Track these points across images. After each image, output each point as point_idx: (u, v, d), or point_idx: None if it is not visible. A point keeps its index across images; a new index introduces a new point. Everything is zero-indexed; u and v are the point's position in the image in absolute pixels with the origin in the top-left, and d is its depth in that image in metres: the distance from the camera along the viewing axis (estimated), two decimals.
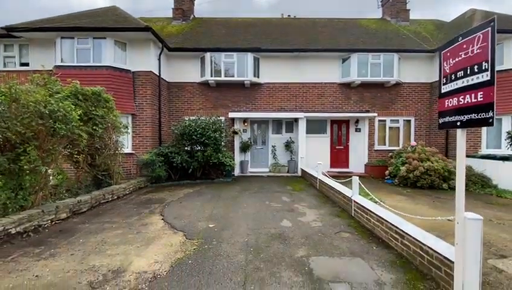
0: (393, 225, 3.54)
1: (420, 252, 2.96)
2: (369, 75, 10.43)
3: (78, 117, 5.12)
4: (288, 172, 10.48)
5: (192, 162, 8.77)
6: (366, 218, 4.33)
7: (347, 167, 10.90)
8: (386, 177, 9.42)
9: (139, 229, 4.38)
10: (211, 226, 4.44)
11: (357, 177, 5.00)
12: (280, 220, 4.75)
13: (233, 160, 9.27)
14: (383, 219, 3.80)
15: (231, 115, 10.05)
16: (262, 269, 2.97)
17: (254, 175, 10.10)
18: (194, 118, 9.17)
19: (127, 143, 8.92)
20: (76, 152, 5.41)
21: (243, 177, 9.91)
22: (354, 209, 4.84)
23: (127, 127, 7.44)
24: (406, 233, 3.24)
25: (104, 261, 3.20)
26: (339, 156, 10.91)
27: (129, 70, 9.01)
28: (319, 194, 6.95)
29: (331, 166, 10.85)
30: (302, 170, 9.92)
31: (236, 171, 10.27)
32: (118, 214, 5.28)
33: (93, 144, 6.02)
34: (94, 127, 5.85)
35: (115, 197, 6.45)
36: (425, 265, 2.86)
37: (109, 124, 6.33)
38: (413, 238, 3.10)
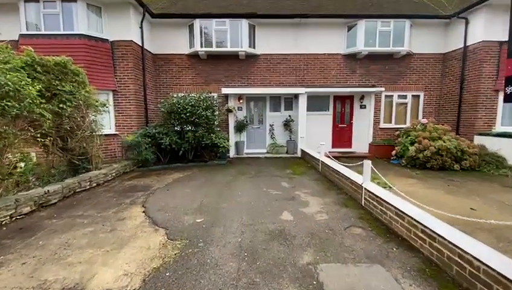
0: (418, 221, 2.89)
1: (459, 260, 2.33)
2: (377, 44, 9.38)
3: (36, 93, 4.24)
4: (287, 153, 9.80)
5: (183, 143, 8.00)
6: (381, 209, 3.69)
7: (350, 146, 10.22)
8: (392, 158, 8.79)
9: (114, 225, 3.72)
10: (198, 221, 3.79)
11: (369, 162, 4.29)
12: (280, 211, 4.11)
13: (228, 141, 8.51)
14: (404, 213, 3.15)
15: (224, 90, 9.10)
16: (259, 284, 2.34)
17: (251, 157, 9.41)
18: (182, 94, 8.23)
19: (109, 123, 8.07)
20: (39, 135, 4.58)
21: (238, 159, 9.22)
22: (365, 199, 4.20)
23: (105, 104, 6.54)
24: (438, 234, 2.59)
25: (60, 274, 2.55)
26: (342, 135, 10.18)
27: (106, 39, 7.88)
28: (322, 178, 6.31)
29: (333, 146, 10.16)
30: (302, 150, 9.23)
31: (232, 153, 9.56)
32: (94, 205, 4.61)
33: (62, 125, 5.17)
34: (61, 106, 4.98)
35: (94, 184, 5.75)
36: (466, 277, 2.24)
37: (81, 102, 5.44)
38: (448, 241, 2.45)
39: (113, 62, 8.01)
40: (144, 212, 4.23)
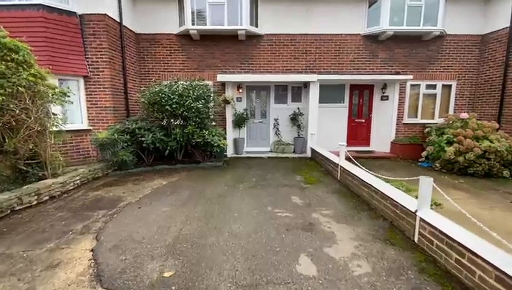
0: None
1: None
2: (405, 23, 7.80)
3: None
4: (294, 152, 8.36)
5: (169, 141, 6.59)
6: (457, 260, 2.28)
7: (367, 144, 8.76)
8: (420, 160, 7.35)
9: (35, 280, 2.35)
10: (166, 276, 2.40)
11: (430, 180, 2.85)
12: (294, 255, 2.71)
13: (225, 139, 7.08)
14: None
15: (221, 78, 7.60)
16: None
17: (252, 156, 7.99)
18: (168, 82, 6.75)
19: (80, 116, 6.66)
20: None
21: (237, 159, 7.80)
22: (421, 233, 2.79)
23: (65, 94, 5.10)
24: None
25: None
26: (359, 131, 8.71)
27: (74, 12, 6.36)
28: (343, 189, 4.89)
29: (348, 143, 8.67)
30: (312, 150, 7.79)
31: (230, 152, 8.14)
32: (30, 233, 3.25)
33: None
34: None
35: (45, 197, 4.38)
36: None
37: (21, 89, 4.00)
38: None
39: (83, 41, 6.51)
40: (92, 250, 2.86)
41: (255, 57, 8.20)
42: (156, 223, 3.51)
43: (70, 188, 4.99)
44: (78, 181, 5.21)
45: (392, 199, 3.39)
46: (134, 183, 5.44)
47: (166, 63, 8.20)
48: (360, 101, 8.59)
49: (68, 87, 5.33)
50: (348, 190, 4.83)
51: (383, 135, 8.46)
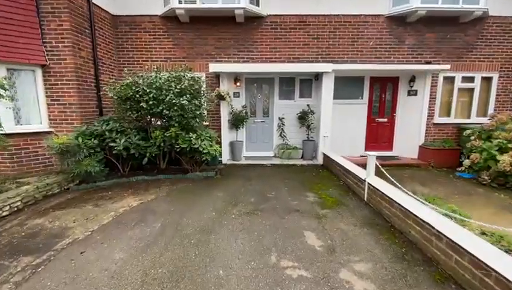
0: None
1: None
2: (440, 0, 6.34)
3: None
4: (302, 158, 7.00)
5: (149, 147, 5.29)
6: None
7: (390, 148, 7.36)
8: (459, 169, 5.95)
9: None
10: None
11: None
12: None
13: (218, 143, 5.76)
14: None
15: (214, 68, 6.23)
16: None
17: (251, 164, 6.65)
18: (144, 73, 5.40)
19: (38, 115, 5.37)
20: None
21: (234, 167, 6.47)
22: None
23: (2, 86, 3.80)
24: None
25: None
26: (380, 132, 7.30)
27: None
28: (375, 218, 3.53)
29: (367, 147, 7.31)
30: (325, 155, 6.42)
31: (225, 157, 6.81)
32: None
33: None
34: None
35: None
36: None
37: None
38: None
39: (40, 22, 5.18)
40: None
41: (256, 43, 6.80)
42: (90, 286, 2.21)
43: (5, 213, 3.70)
44: (18, 203, 3.93)
45: (475, 257, 2.02)
46: (95, 205, 4.15)
47: (149, 51, 6.85)
48: (382, 96, 7.17)
49: (5, 78, 4.02)
50: (384, 219, 3.47)
51: (409, 137, 7.04)
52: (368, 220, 3.47)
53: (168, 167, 6.06)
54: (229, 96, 6.42)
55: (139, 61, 6.86)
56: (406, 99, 7.03)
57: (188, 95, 4.96)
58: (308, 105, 6.85)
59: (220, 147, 6.00)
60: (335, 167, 5.64)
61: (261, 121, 7.26)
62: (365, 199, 4.11)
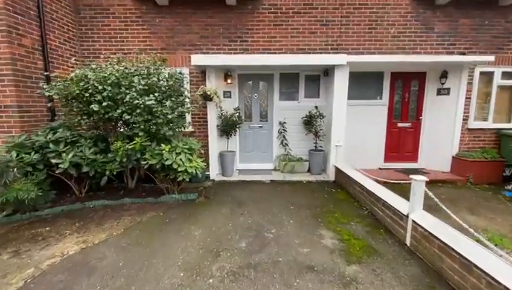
0: None
1: None
2: None
3: None
4: (309, 172, 5.68)
5: (108, 162, 3.98)
6: None
7: (414, 159, 6.06)
8: (509, 188, 4.68)
9: None
10: None
11: None
12: None
13: (202, 158, 4.46)
14: None
15: (197, 60, 4.92)
16: None
17: (246, 180, 5.32)
18: (97, 65, 4.06)
19: None
20: None
21: (223, 185, 5.16)
22: None
23: None
24: None
25: None
26: (402, 140, 6.01)
27: None
28: (432, 281, 2.21)
29: (387, 159, 6.02)
30: (337, 170, 5.12)
31: (214, 171, 5.51)
32: None
33: None
34: None
35: None
36: None
37: None
38: None
39: None
40: None
41: (252, 31, 5.53)
42: None
43: None
44: None
45: None
46: (15, 252, 2.84)
47: (120, 42, 5.57)
48: (406, 96, 5.89)
49: None
50: (446, 284, 2.15)
51: (439, 146, 5.75)
52: (423, 286, 2.16)
53: (138, 187, 4.74)
54: (218, 97, 5.12)
55: (107, 53, 5.56)
56: (435, 100, 5.75)
57: (157, 94, 3.65)
58: (316, 107, 5.54)
59: (205, 161, 4.70)
60: (353, 186, 4.34)
61: (258, 127, 5.96)
62: (408, 243, 2.80)
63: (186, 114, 5.55)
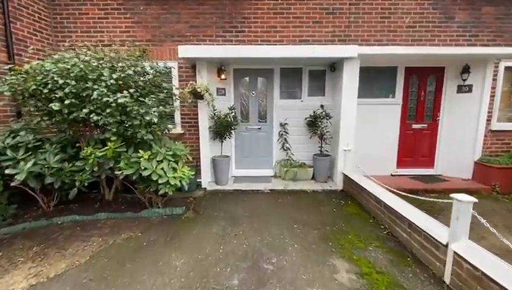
0: None
1: None
2: None
3: None
4: (314, 179, 5.05)
5: (77, 172, 3.35)
6: None
7: (430, 165, 5.43)
8: None
9: None
10: None
11: None
12: None
13: (190, 166, 3.84)
14: None
15: (186, 51, 4.26)
16: None
17: (242, 190, 4.67)
18: (59, 54, 3.40)
19: None
20: None
21: (216, 195, 4.52)
22: None
23: None
24: None
25: None
26: (417, 143, 5.38)
27: None
28: None
29: (400, 164, 5.40)
30: (346, 178, 4.49)
31: (206, 178, 4.87)
32: None
33: None
34: None
35: None
36: None
37: None
38: None
39: None
40: None
41: (248, 20, 4.89)
42: None
43: None
44: None
45: None
46: None
47: (100, 32, 4.92)
48: (421, 94, 5.26)
49: None
50: None
51: (458, 150, 5.12)
52: None
53: (118, 198, 4.11)
54: (210, 94, 4.48)
55: (85, 45, 4.91)
56: (454, 98, 5.12)
57: (133, 90, 3.01)
58: (321, 106, 4.91)
59: (194, 169, 4.08)
60: (366, 198, 3.71)
61: (257, 128, 5.32)
62: (447, 281, 2.17)
63: (176, 114, 4.95)
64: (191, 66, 4.91)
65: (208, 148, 4.79)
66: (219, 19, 4.86)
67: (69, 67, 2.84)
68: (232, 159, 5.24)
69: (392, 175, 5.33)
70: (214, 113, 4.72)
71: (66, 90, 2.82)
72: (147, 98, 3.08)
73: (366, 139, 5.13)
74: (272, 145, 5.33)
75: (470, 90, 4.95)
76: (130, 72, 3.01)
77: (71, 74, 2.83)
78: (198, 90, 4.26)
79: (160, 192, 3.22)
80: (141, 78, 3.18)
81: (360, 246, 2.82)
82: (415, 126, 5.33)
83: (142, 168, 3.11)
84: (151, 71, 3.43)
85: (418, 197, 3.37)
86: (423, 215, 2.72)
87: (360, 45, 4.62)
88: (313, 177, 5.04)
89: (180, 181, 3.30)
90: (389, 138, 5.30)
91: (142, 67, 3.28)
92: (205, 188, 4.74)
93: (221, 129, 4.67)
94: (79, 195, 3.69)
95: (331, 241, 2.92)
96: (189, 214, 3.72)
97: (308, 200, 4.16)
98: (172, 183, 3.12)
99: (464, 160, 5.08)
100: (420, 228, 2.53)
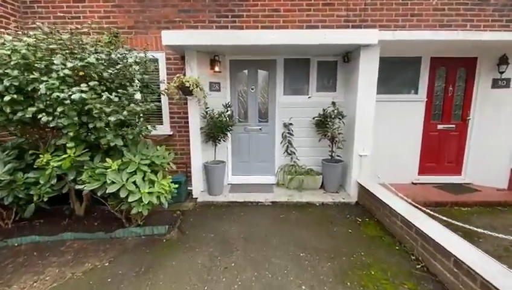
0: None
1: None
2: None
3: None
4: (323, 188, 4.35)
5: (34, 184, 2.71)
6: None
7: (457, 171, 4.70)
8: None
9: None
10: None
11: None
12: None
13: (170, 178, 3.20)
14: None
15: (170, 38, 3.56)
16: None
17: (238, 202, 3.99)
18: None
19: None
20: None
21: (208, 209, 3.86)
22: None
23: None
24: None
25: None
26: (443, 146, 4.64)
27: None
28: None
29: (422, 170, 4.67)
30: (362, 188, 3.79)
31: (198, 187, 4.22)
32: None
33: None
34: None
35: None
36: None
37: None
38: None
39: None
40: None
41: (247, 2, 4.18)
42: None
43: None
44: None
45: None
46: None
47: (75, 18, 4.26)
48: (449, 89, 4.51)
49: None
50: None
51: (491, 155, 4.37)
52: None
53: (91, 212, 3.48)
54: (201, 89, 3.80)
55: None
56: (488, 94, 4.36)
57: (94, 82, 2.34)
58: (333, 103, 4.17)
59: (184, 177, 3.44)
60: (390, 217, 3.02)
61: (258, 129, 4.63)
62: None
63: (164, 112, 4.30)
64: (181, 58, 4.23)
65: (199, 153, 4.12)
66: (212, 2, 4.16)
67: (8, 53, 2.18)
68: (228, 165, 4.57)
69: (413, 183, 4.62)
70: (206, 112, 4.04)
71: (6, 82, 2.16)
72: (114, 94, 2.41)
73: (383, 141, 4.40)
74: (274, 149, 4.64)
75: (507, 85, 4.19)
76: (92, 60, 2.34)
77: (11, 62, 2.18)
78: (187, 84, 3.58)
79: (133, 211, 2.57)
80: (110, 69, 2.50)
81: (387, 288, 2.13)
82: (440, 127, 4.58)
83: (109, 181, 2.45)
84: (130, 61, 2.76)
85: (456, 222, 2.67)
86: (475, 251, 2.02)
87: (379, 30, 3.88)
88: (322, 186, 4.35)
89: (157, 198, 2.64)
90: (410, 140, 4.57)
91: (107, 54, 2.61)
92: (196, 199, 4.07)
93: (215, 130, 3.99)
94: (46, 208, 3.08)
95: (349, 279, 2.24)
96: (173, 234, 3.07)
97: (317, 217, 3.48)
98: (145, 202, 2.46)
99: (498, 166, 4.34)
100: (474, 271, 1.83)
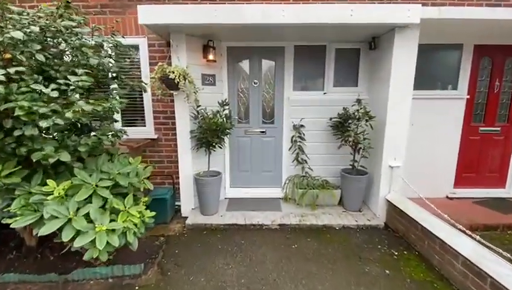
0: None
1: None
2: None
3: None
4: (341, 206, 3.57)
5: None
6: None
7: (501, 184, 3.92)
8: None
9: None
10: None
11: None
12: None
13: (144, 201, 2.38)
14: None
15: (148, 14, 2.76)
16: None
17: (237, 225, 3.20)
18: None
19: None
20: None
21: (198, 237, 3.07)
22: None
23: None
24: None
25: None
26: (485, 153, 3.86)
27: None
28: None
29: (458, 182, 3.88)
30: (392, 208, 3.00)
31: (188, 203, 3.44)
32: None
33: None
34: None
35: None
36: None
37: None
38: None
39: None
40: None
41: None
42: None
43: None
44: None
45: None
46: None
47: None
48: (495, 84, 3.71)
49: None
50: None
51: None
52: None
53: (49, 240, 2.69)
54: (191, 82, 2.99)
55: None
56: None
57: (18, 68, 1.54)
58: (358, 101, 3.32)
59: (171, 191, 2.66)
60: (440, 253, 2.24)
61: (260, 133, 3.83)
62: None
63: (147, 111, 3.52)
64: (166, 44, 3.42)
65: (189, 162, 3.32)
66: None
67: None
68: (225, 175, 3.78)
69: (448, 198, 3.84)
70: (198, 111, 3.24)
71: None
72: (53, 86, 1.61)
73: (411, 146, 3.61)
74: (282, 156, 3.84)
75: None
76: (17, 35, 1.54)
77: None
78: (171, 75, 2.77)
79: (86, 257, 1.78)
80: (51, 50, 1.70)
81: None
82: (483, 130, 3.79)
83: (47, 215, 1.66)
84: (76, 42, 1.95)
85: None
86: None
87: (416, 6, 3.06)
88: (340, 202, 3.57)
89: (125, 234, 1.84)
90: (446, 145, 3.78)
91: (44, 28, 1.80)
92: (186, 218, 3.29)
93: (208, 135, 3.18)
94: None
95: None
96: (151, 275, 2.29)
97: (340, 248, 2.69)
98: (101, 247, 1.66)
99: None
100: None
